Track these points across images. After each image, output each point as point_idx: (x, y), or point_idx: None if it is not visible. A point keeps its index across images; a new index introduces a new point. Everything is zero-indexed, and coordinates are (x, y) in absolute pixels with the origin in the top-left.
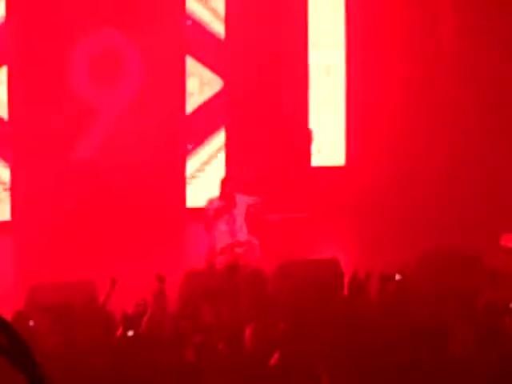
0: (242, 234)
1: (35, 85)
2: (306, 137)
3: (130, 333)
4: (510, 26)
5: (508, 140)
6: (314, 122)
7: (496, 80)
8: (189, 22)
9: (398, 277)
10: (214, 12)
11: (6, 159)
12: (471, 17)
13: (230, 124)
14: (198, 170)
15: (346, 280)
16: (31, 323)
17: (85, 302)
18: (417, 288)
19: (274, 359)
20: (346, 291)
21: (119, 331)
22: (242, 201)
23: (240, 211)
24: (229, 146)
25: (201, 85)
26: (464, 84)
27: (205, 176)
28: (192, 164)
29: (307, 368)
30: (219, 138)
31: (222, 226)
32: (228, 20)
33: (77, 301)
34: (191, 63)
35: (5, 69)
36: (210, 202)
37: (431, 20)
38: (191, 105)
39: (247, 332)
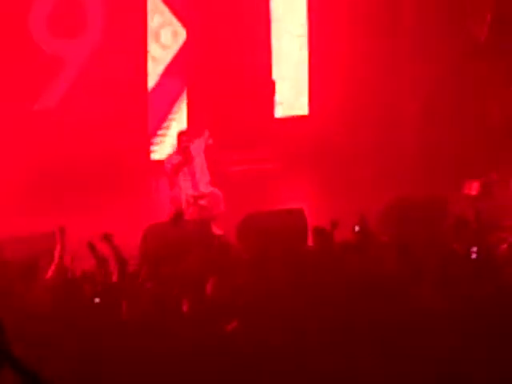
0: (205, 186)
1: None
2: (269, 88)
3: (97, 300)
4: None
5: (475, 87)
6: (277, 73)
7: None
8: None
9: (356, 228)
10: None
11: None
12: None
13: (192, 75)
14: (164, 123)
15: (310, 230)
16: None
17: (45, 253)
18: (378, 238)
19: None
20: (310, 242)
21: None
22: (198, 149)
23: (198, 163)
24: (191, 98)
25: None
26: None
27: (171, 129)
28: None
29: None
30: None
31: (183, 180)
32: None
33: (39, 254)
34: (154, 11)
35: None
36: (168, 157)
37: None
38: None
39: (209, 284)
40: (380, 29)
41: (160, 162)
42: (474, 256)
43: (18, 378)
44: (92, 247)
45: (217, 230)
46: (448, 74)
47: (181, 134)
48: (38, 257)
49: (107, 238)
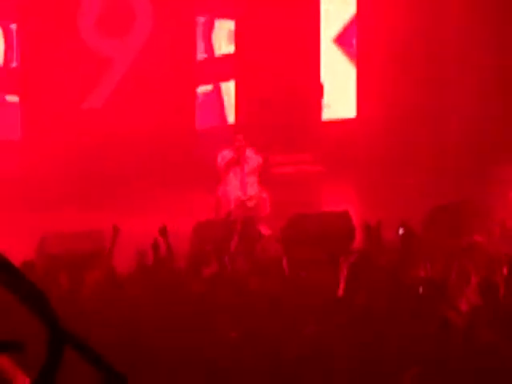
0: (252, 188)
1: (46, 37)
2: (316, 90)
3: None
4: None
5: None
6: (325, 76)
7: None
8: None
9: (401, 230)
10: None
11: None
12: None
13: (241, 76)
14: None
15: (357, 233)
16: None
17: (92, 252)
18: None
19: None
20: (356, 244)
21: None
22: (254, 158)
23: (251, 166)
24: (240, 98)
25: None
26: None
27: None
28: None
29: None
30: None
31: (233, 179)
32: None
33: (85, 251)
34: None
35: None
36: (222, 154)
37: None
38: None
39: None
40: (425, 35)
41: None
42: None
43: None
44: (164, 233)
45: (265, 230)
46: (494, 83)
47: (237, 134)
48: (84, 254)
49: (163, 231)
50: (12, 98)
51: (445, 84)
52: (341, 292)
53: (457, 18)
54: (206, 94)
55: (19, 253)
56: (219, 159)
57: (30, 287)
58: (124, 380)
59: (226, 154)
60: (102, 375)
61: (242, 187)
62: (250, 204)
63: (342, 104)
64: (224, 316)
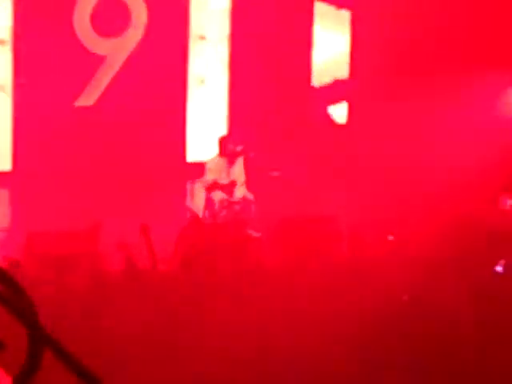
0: (239, 191)
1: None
2: (305, 92)
3: None
4: None
5: None
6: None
7: None
8: None
9: (390, 237)
10: None
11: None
12: None
13: (235, 79)
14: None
15: (344, 239)
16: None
17: (81, 252)
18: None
19: None
20: (343, 250)
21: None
22: (240, 163)
23: (239, 168)
24: (232, 101)
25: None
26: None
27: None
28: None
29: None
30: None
31: (220, 184)
32: None
33: (74, 249)
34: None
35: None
36: (212, 159)
37: None
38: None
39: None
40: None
41: (195, 165)
42: (499, 269)
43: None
44: (145, 231)
45: (253, 233)
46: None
47: (223, 139)
48: (72, 253)
49: (144, 229)
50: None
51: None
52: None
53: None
54: (199, 96)
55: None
56: (208, 162)
57: (12, 286)
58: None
59: (215, 158)
60: (79, 379)
61: (229, 190)
62: (237, 207)
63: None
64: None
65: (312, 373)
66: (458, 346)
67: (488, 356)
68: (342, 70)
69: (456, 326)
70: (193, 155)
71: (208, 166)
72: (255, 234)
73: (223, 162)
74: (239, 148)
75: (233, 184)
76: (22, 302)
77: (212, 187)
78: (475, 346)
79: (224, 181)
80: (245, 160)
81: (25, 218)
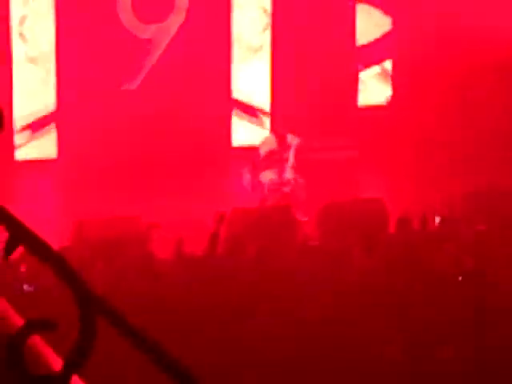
0: (289, 174)
1: (85, 21)
2: (352, 76)
3: None
4: None
5: None
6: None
7: None
8: None
9: (437, 219)
10: None
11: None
12: None
13: (277, 62)
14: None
15: (391, 220)
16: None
17: (130, 238)
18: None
19: None
20: (390, 230)
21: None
22: (292, 144)
23: (289, 152)
24: (275, 85)
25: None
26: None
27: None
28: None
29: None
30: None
31: (272, 167)
32: None
33: (123, 237)
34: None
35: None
36: (264, 142)
37: None
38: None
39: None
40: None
41: (240, 149)
42: None
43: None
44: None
45: (301, 217)
46: None
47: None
48: (120, 239)
49: (222, 218)
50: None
51: (480, 70)
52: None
53: None
54: (242, 80)
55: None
56: (261, 145)
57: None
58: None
59: (268, 140)
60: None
61: (279, 173)
62: (286, 189)
63: (377, 90)
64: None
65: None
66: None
67: None
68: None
69: None
70: (238, 139)
71: (261, 145)
72: (303, 219)
73: (275, 141)
74: (291, 138)
75: (284, 162)
76: (70, 270)
77: (264, 163)
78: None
79: (275, 163)
80: (296, 147)
81: (73, 205)
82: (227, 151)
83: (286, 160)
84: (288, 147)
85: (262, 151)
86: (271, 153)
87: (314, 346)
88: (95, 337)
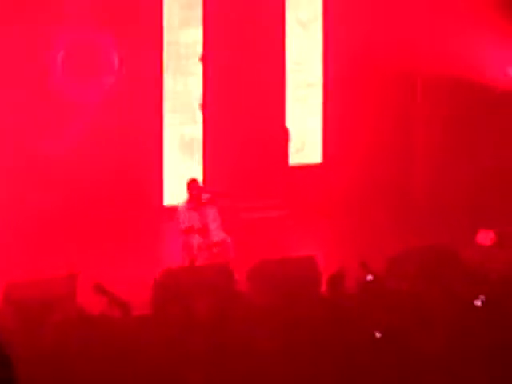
0: (217, 234)
1: (10, 78)
2: (283, 135)
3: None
4: None
5: (490, 138)
6: (291, 121)
7: None
8: None
9: (369, 277)
10: None
11: None
12: None
13: (208, 121)
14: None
15: (323, 278)
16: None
17: (61, 298)
18: (390, 287)
19: None
20: (322, 289)
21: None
22: (212, 204)
23: (212, 212)
24: (206, 144)
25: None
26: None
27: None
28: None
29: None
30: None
31: (196, 227)
32: None
33: (53, 297)
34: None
35: None
36: (181, 205)
37: None
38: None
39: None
40: (393, 79)
41: (172, 208)
42: (478, 303)
43: None
44: (100, 288)
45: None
46: (461, 124)
47: (191, 182)
48: (51, 299)
49: (99, 287)
50: None
51: (409, 126)
52: None
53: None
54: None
55: None
56: (179, 209)
57: None
58: None
59: (185, 204)
60: None
61: (205, 234)
62: (215, 250)
63: (308, 149)
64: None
65: None
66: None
67: None
68: None
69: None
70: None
71: (180, 211)
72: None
73: (193, 206)
74: (205, 196)
75: (206, 228)
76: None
77: (188, 231)
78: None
79: (198, 225)
80: (217, 204)
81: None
82: (158, 210)
83: (208, 226)
84: (206, 207)
85: (183, 215)
86: (189, 228)
87: None
88: None
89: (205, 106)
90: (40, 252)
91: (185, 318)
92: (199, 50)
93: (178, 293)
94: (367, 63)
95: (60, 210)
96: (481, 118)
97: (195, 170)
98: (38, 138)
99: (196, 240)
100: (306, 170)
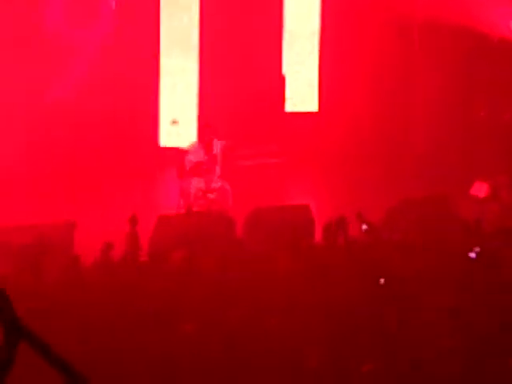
0: (215, 180)
1: (8, 26)
2: (279, 82)
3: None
4: None
5: (486, 88)
6: (288, 69)
7: None
8: None
9: (364, 227)
10: None
11: None
12: None
13: (205, 68)
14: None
15: (317, 226)
16: None
17: (57, 243)
18: (386, 237)
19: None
20: (316, 237)
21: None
22: (218, 147)
23: (217, 158)
24: (202, 91)
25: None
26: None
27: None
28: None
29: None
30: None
31: (200, 176)
32: None
33: (49, 242)
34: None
35: None
36: (191, 151)
37: None
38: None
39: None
40: (390, 27)
41: (168, 150)
42: (472, 256)
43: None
44: (134, 222)
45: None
46: (458, 75)
47: (205, 127)
48: (46, 245)
49: (134, 220)
50: None
51: (407, 77)
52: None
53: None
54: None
55: None
56: (189, 153)
57: None
58: (86, 382)
59: (194, 149)
60: (63, 376)
61: (206, 180)
62: (212, 196)
63: (304, 97)
64: (183, 310)
65: None
66: (434, 335)
67: (466, 346)
68: None
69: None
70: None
71: (188, 153)
72: None
73: (203, 152)
74: (216, 145)
75: (213, 171)
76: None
77: (196, 168)
78: (449, 332)
79: (201, 170)
80: (221, 150)
81: None
82: (155, 152)
83: (214, 170)
84: (215, 158)
85: (189, 160)
86: (199, 163)
87: (238, 351)
88: (14, 358)
89: (202, 50)
90: (37, 194)
91: (185, 266)
92: None
93: (178, 240)
94: (364, 11)
95: (57, 153)
96: (478, 67)
97: (191, 113)
98: (36, 82)
99: (194, 185)
100: (302, 117)
